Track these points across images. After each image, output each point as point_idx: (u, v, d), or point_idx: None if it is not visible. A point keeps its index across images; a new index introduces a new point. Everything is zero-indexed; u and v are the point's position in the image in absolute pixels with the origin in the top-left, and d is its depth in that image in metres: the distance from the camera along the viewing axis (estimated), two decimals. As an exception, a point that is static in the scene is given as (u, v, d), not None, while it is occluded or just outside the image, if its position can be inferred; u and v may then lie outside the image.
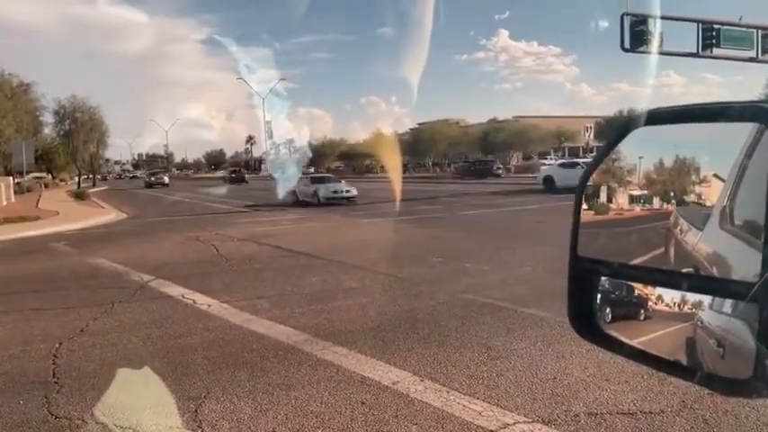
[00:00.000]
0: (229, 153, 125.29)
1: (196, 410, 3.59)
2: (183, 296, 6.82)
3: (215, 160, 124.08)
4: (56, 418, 3.56)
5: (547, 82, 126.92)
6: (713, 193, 0.80)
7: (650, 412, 3.39)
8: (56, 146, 51.70)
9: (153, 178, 54.81)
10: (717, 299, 0.74)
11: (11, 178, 30.49)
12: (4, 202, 26.07)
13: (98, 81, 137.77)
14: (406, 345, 4.79)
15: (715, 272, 0.78)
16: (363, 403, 3.65)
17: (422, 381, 3.97)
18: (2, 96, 33.61)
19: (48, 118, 46.16)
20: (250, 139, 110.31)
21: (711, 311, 0.74)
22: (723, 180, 0.78)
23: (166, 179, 54.55)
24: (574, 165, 26.62)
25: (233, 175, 54.98)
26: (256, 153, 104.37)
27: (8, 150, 27.11)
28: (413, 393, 3.77)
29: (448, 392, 3.77)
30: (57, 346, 4.99)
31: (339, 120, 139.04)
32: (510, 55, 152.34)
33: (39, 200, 28.82)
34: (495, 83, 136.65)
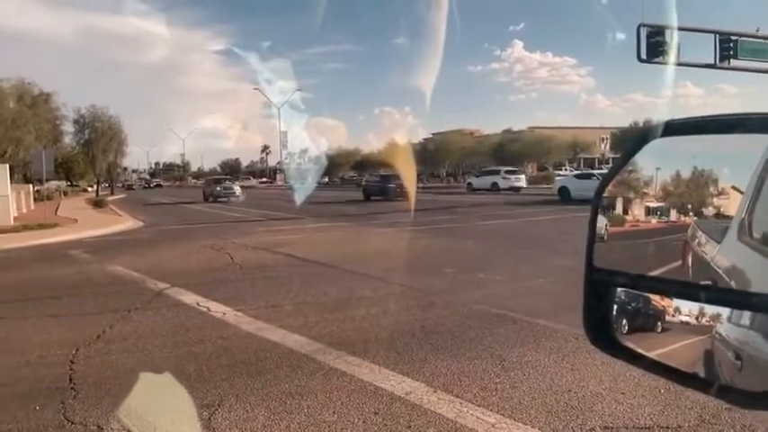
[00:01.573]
0: (245, 162, 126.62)
1: (210, 418, 3.61)
2: (197, 304, 6.87)
3: (231, 169, 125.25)
4: (72, 423, 3.59)
5: (562, 93, 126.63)
6: (732, 206, 0.80)
7: (667, 427, 3.34)
8: (75, 154, 52.42)
9: (219, 188, 36.01)
10: (735, 311, 0.73)
11: (30, 186, 30.98)
12: (24, 210, 26.48)
13: (116, 90, 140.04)
14: (420, 355, 4.78)
15: (733, 284, 0.78)
16: (376, 413, 3.64)
17: (435, 392, 3.96)
18: (22, 105, 34.26)
19: (68, 127, 46.86)
20: (265, 149, 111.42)
21: (729, 324, 0.74)
22: (741, 192, 0.78)
23: (238, 190, 36.39)
24: (589, 176, 26.71)
25: (385, 185, 30.23)
26: (271, 162, 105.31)
27: (28, 158, 27.57)
28: (426, 404, 3.75)
29: (461, 404, 3.75)
30: (74, 352, 5.04)
31: (353, 129, 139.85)
32: (525, 66, 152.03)
33: (57, 207, 29.22)
34: (509, 93, 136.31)
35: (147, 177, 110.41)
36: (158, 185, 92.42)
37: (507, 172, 39.97)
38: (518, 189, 38.05)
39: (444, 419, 3.53)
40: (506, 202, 27.49)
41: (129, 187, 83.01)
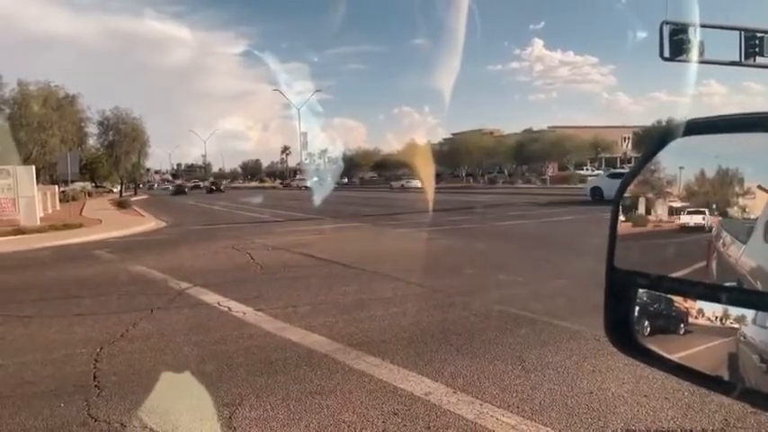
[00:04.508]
0: (265, 163, 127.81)
1: (230, 417, 3.64)
2: (218, 303, 6.93)
3: (251, 170, 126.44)
4: (95, 421, 3.65)
5: (583, 91, 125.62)
6: (758, 206, 0.78)
7: (691, 430, 3.29)
8: (99, 156, 53.32)
9: None
10: (760, 313, 0.72)
11: (56, 187, 31.57)
12: (50, 210, 26.97)
13: (139, 92, 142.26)
14: (439, 356, 4.76)
15: (759, 285, 0.76)
16: (396, 414, 3.64)
17: (455, 392, 3.94)
18: (48, 108, 34.97)
19: (92, 129, 47.70)
20: (285, 150, 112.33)
21: (755, 326, 0.72)
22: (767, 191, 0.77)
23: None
24: (623, 175, 26.43)
25: None
26: (291, 163, 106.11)
27: (54, 160, 28.11)
28: (445, 405, 3.74)
29: (481, 405, 3.73)
30: (98, 350, 5.12)
31: (372, 130, 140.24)
32: (545, 65, 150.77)
33: (82, 208, 29.72)
34: (529, 93, 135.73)
35: (169, 178, 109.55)
36: (198, 186, 73.10)
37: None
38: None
39: (464, 420, 3.51)
40: (535, 203, 27.32)
41: (179, 190, 62.85)
